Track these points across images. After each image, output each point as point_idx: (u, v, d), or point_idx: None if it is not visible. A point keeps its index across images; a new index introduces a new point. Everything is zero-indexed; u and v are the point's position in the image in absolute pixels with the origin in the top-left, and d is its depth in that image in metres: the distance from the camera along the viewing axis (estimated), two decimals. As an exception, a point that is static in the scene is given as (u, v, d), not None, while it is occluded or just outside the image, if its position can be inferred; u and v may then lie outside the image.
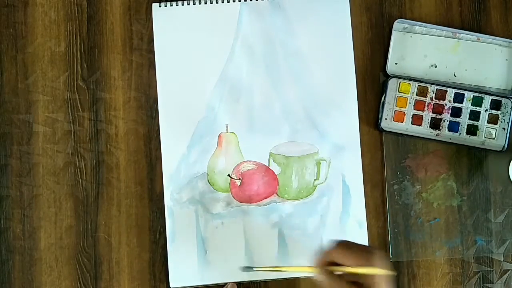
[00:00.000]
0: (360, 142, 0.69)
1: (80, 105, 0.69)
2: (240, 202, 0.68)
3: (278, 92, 0.69)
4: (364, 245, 0.57)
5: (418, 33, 0.69)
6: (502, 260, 0.69)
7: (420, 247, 0.69)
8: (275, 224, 0.68)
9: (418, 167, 0.69)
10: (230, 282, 0.66)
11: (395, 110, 0.69)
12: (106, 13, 0.70)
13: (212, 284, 0.67)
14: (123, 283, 0.68)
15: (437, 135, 0.69)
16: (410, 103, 0.69)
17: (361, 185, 0.68)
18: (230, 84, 0.69)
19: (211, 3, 0.69)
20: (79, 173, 0.68)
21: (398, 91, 0.69)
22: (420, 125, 0.69)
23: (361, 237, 0.68)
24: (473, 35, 0.69)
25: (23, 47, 0.69)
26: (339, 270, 0.54)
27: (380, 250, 0.57)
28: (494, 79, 0.70)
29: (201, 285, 0.67)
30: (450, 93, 0.69)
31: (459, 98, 0.69)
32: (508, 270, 0.69)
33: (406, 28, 0.69)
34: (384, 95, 0.69)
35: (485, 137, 0.69)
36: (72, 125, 0.69)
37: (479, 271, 0.69)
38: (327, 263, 0.55)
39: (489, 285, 0.69)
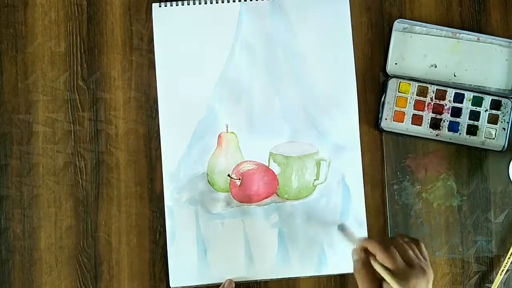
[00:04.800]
0: (360, 142, 0.69)
1: (80, 105, 0.69)
2: (240, 202, 0.68)
3: (278, 92, 0.69)
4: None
5: (418, 33, 0.69)
6: (502, 260, 0.69)
7: (420, 247, 0.69)
8: (275, 224, 0.68)
9: (418, 167, 0.69)
10: (227, 280, 0.66)
11: (395, 110, 0.69)
12: (106, 13, 0.70)
13: (212, 284, 0.67)
14: (123, 283, 0.68)
15: (437, 135, 0.69)
16: (410, 103, 0.69)
17: (361, 185, 0.68)
18: (230, 84, 0.69)
19: (211, 3, 0.69)
20: (79, 173, 0.68)
21: (398, 91, 0.69)
22: (420, 125, 0.69)
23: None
24: (473, 35, 0.69)
25: (23, 47, 0.69)
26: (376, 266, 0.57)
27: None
28: (494, 79, 0.70)
29: (201, 285, 0.67)
30: (450, 93, 0.69)
31: (459, 98, 0.69)
32: (508, 270, 0.69)
33: (406, 28, 0.69)
34: (384, 95, 0.69)
35: (485, 137, 0.69)
36: (72, 125, 0.69)
37: (479, 271, 0.69)
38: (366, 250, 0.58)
39: (489, 285, 0.69)
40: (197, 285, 0.67)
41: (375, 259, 0.56)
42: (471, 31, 0.70)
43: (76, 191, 0.68)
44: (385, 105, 0.68)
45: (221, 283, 0.67)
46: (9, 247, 0.68)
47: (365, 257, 0.58)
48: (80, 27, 0.70)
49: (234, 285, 0.66)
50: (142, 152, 0.69)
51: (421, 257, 0.57)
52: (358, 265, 0.58)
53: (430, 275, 0.56)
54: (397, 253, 0.56)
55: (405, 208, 0.69)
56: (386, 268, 0.55)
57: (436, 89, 0.69)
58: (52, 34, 0.69)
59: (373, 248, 0.57)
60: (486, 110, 0.69)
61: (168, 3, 0.69)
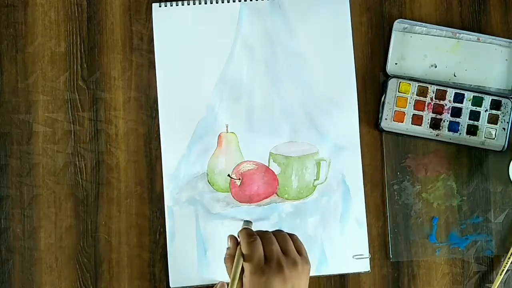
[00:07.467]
0: (360, 142, 0.69)
1: (80, 105, 0.69)
2: (240, 202, 0.68)
3: (278, 92, 0.69)
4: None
5: (418, 33, 0.69)
6: (502, 260, 0.69)
7: (420, 247, 0.69)
8: (275, 224, 0.68)
9: (418, 167, 0.69)
10: (220, 281, 0.66)
11: (395, 110, 0.69)
12: (106, 13, 0.70)
13: (212, 284, 0.67)
14: (123, 283, 0.68)
15: (437, 135, 0.69)
16: (410, 103, 0.69)
17: (361, 185, 0.68)
18: (230, 84, 0.69)
19: (211, 3, 0.69)
20: (79, 173, 0.68)
21: (398, 91, 0.69)
22: (420, 125, 0.69)
23: (361, 237, 0.68)
24: (473, 35, 0.69)
25: (23, 47, 0.69)
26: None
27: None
28: (494, 79, 0.70)
29: (201, 285, 0.67)
30: (450, 93, 0.69)
31: (459, 98, 0.69)
32: (508, 270, 0.69)
33: (406, 28, 0.69)
34: (384, 95, 0.69)
35: (485, 137, 0.69)
36: (72, 125, 0.69)
37: (479, 271, 0.69)
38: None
39: (489, 285, 0.69)
40: (197, 285, 0.67)
41: (240, 250, 0.56)
42: (471, 31, 0.70)
43: (76, 191, 0.68)
44: (385, 105, 0.68)
45: (221, 283, 0.67)
46: (9, 247, 0.68)
47: (233, 246, 0.57)
48: (80, 27, 0.70)
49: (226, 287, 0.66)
50: (142, 152, 0.69)
51: (294, 252, 0.56)
52: (227, 253, 0.58)
53: (291, 273, 0.54)
54: (260, 246, 0.55)
55: (405, 208, 0.69)
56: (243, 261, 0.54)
57: (436, 89, 0.69)
58: (52, 34, 0.69)
59: (241, 238, 0.56)
60: (486, 110, 0.69)
61: (168, 3, 0.69)
